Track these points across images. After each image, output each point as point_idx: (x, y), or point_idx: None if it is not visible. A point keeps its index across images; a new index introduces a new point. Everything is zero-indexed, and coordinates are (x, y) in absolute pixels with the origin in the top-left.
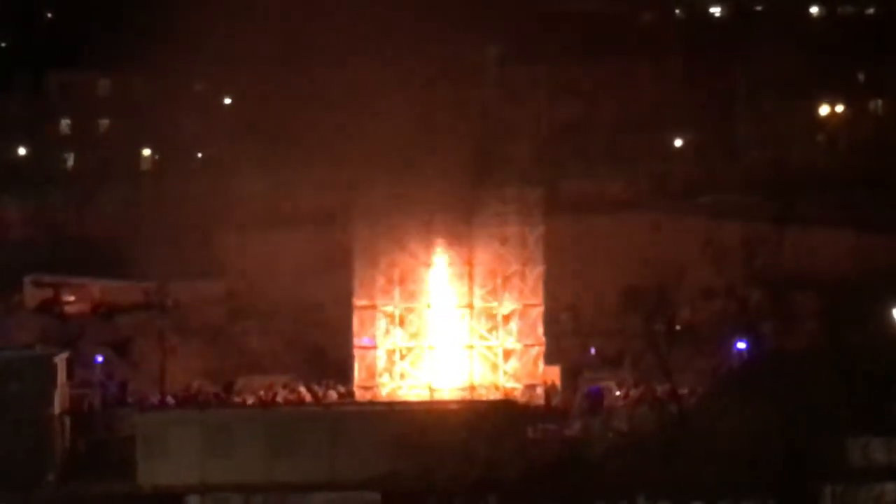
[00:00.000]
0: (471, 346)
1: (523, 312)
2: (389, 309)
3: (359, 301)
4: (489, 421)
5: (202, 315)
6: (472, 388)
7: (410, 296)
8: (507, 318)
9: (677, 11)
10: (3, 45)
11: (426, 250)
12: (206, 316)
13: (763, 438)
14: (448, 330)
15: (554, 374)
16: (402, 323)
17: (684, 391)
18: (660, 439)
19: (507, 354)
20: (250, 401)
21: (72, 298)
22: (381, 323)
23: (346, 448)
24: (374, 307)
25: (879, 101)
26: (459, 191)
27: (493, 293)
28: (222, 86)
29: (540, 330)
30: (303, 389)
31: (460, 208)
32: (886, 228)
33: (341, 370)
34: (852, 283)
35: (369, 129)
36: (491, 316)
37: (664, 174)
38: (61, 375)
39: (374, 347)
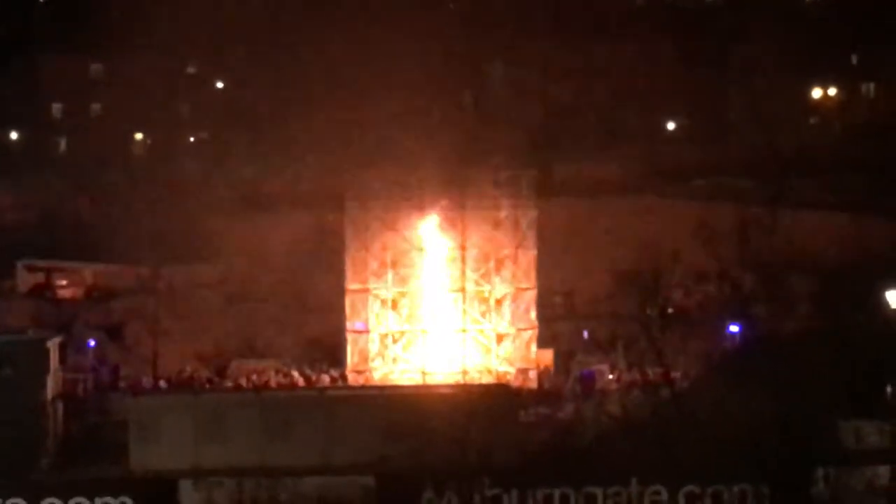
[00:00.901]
0: (464, 330)
1: (516, 296)
2: (382, 293)
3: (351, 285)
4: (482, 405)
5: (195, 299)
6: (465, 372)
7: (403, 279)
8: (499, 302)
9: None
10: None
11: (419, 234)
12: (199, 300)
13: (756, 422)
14: (441, 314)
15: (547, 357)
16: (394, 307)
17: (677, 375)
18: (653, 423)
19: (500, 338)
20: (243, 385)
21: (64, 283)
22: (374, 307)
23: (339, 432)
24: (366, 291)
25: (872, 85)
26: (452, 174)
27: (486, 277)
28: (215, 70)
29: (533, 314)
30: (296, 374)
31: (453, 191)
32: (880, 211)
33: (334, 354)
34: (846, 267)
35: (362, 113)
36: (484, 300)
37: (657, 157)
38: (54, 360)
39: (367, 331)
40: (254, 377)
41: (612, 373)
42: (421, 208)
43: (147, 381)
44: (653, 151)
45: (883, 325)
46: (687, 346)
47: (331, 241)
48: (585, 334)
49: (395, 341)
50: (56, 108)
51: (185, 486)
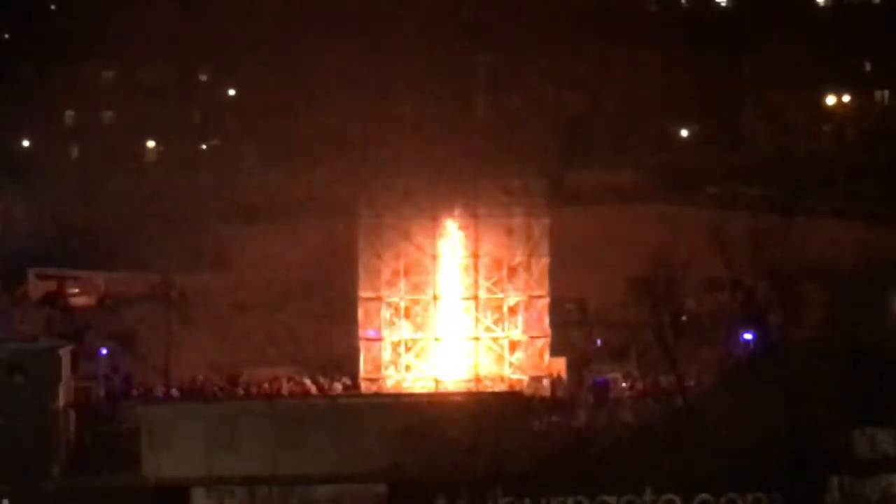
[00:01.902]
0: (476, 338)
1: (529, 304)
2: (395, 301)
3: (364, 293)
4: (495, 413)
5: (207, 307)
6: (478, 379)
7: (416, 287)
8: (512, 310)
9: (683, 1)
10: (7, 37)
11: (431, 242)
12: (212, 308)
13: (769, 430)
14: (453, 322)
15: (560, 365)
16: (407, 315)
17: (690, 383)
18: (666, 431)
19: (513, 346)
20: (255, 393)
21: (76, 291)
22: (387, 315)
23: (351, 440)
24: (379, 299)
25: (886, 92)
26: (465, 182)
27: (499, 285)
28: (226, 77)
29: (546, 321)
30: (308, 382)
31: (466, 199)
32: (893, 219)
33: (347, 362)
34: (859, 274)
35: (375, 121)
36: (496, 307)
37: (670, 165)
38: (66, 368)
39: (380, 339)
40: (266, 385)
41: (625, 381)
42: (434, 217)
43: (159, 390)
44: (666, 159)
45: None
46: (700, 354)
47: (343, 249)
48: (598, 342)
49: (407, 349)
50: (68, 115)
51: (198, 494)
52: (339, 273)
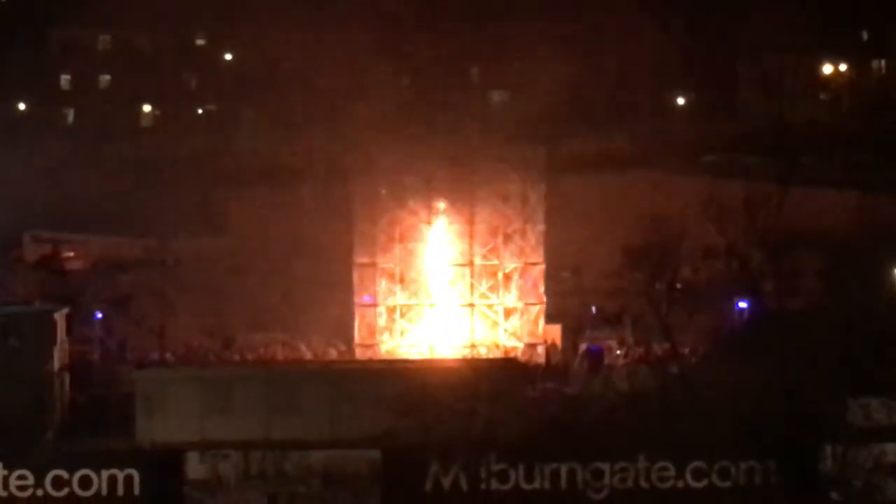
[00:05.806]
0: (471, 305)
1: (524, 271)
2: (390, 266)
3: (359, 258)
4: (489, 379)
5: (202, 272)
6: (473, 346)
7: (411, 253)
8: (507, 277)
9: None
10: (4, 0)
11: (427, 207)
12: (207, 273)
13: (763, 398)
14: (449, 288)
15: (555, 332)
16: (402, 281)
17: (685, 351)
18: (660, 399)
19: (508, 313)
20: (250, 358)
21: (71, 254)
22: (382, 281)
23: (345, 406)
24: (374, 265)
25: (883, 61)
26: (461, 148)
27: (494, 251)
28: (223, 41)
29: (541, 289)
30: (303, 347)
31: (462, 165)
32: (889, 188)
33: (342, 328)
34: (855, 243)
35: (371, 85)
36: (492, 274)
37: (666, 132)
38: (61, 332)
39: (375, 305)
40: (261, 350)
41: (619, 348)
42: (429, 182)
43: (154, 354)
44: (662, 127)
45: (891, 302)
46: (694, 322)
47: (339, 214)
48: (594, 310)
49: (402, 315)
50: (64, 79)
51: (192, 459)
52: (335, 238)
